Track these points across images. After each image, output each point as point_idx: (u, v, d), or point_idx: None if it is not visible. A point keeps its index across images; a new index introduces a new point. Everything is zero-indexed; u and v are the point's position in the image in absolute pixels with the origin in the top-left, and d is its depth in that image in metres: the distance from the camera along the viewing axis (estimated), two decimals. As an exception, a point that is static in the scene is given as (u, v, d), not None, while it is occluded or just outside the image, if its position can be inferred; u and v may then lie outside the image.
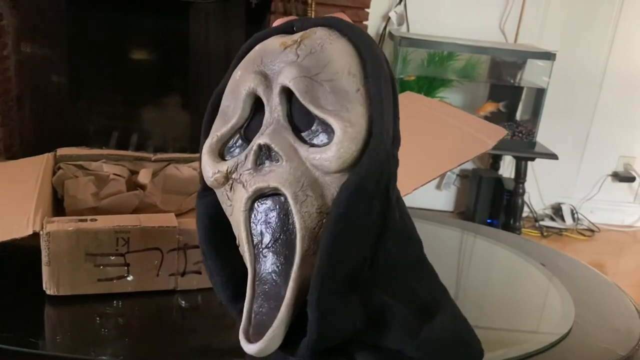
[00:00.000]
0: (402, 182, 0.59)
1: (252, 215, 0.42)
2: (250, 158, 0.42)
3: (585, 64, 2.73)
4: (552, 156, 2.46)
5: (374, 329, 0.41)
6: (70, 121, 2.37)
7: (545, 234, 2.73)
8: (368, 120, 0.41)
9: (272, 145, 0.41)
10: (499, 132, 0.70)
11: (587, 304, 0.70)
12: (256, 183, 0.41)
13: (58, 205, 0.74)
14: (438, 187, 2.83)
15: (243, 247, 0.42)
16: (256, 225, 0.42)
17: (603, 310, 0.71)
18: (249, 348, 0.39)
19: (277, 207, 0.41)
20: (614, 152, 2.88)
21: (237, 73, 0.44)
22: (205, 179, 0.44)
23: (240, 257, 0.43)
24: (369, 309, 0.41)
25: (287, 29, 0.45)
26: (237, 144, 0.44)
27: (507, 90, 2.64)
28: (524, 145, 2.50)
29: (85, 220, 0.61)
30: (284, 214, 0.41)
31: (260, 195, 0.41)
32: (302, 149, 0.41)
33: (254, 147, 0.41)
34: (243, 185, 0.42)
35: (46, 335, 0.58)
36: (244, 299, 0.41)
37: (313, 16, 2.19)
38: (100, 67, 2.38)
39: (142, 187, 0.77)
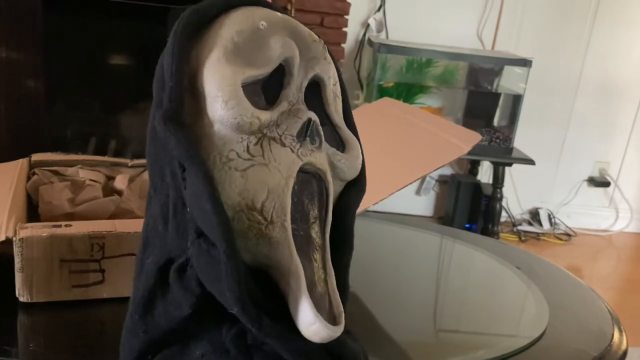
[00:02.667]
0: (379, 186, 0.59)
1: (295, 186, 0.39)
2: (298, 126, 0.39)
3: (560, 71, 2.77)
4: (529, 162, 2.49)
5: None
6: (47, 127, 2.35)
7: (523, 238, 2.76)
8: None
9: (319, 128, 0.40)
10: (474, 137, 0.71)
11: (561, 306, 0.71)
12: (308, 157, 0.39)
13: (33, 212, 0.73)
14: (417, 192, 2.85)
15: (279, 218, 0.37)
16: (296, 199, 0.39)
17: (576, 312, 0.72)
18: (334, 330, 0.36)
19: (316, 187, 0.40)
20: (589, 157, 2.93)
21: (259, 22, 0.40)
22: (232, 114, 0.37)
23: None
24: None
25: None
26: (256, 98, 0.39)
27: (484, 96, 2.68)
28: (502, 151, 2.53)
29: (60, 226, 0.60)
30: (320, 197, 0.40)
31: (302, 168, 0.39)
32: (326, 145, 0.41)
33: (303, 119, 0.39)
34: (292, 150, 0.38)
35: (19, 343, 0.57)
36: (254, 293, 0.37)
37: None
38: (78, 73, 2.36)
39: (119, 192, 0.77)
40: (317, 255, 0.39)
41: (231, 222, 0.36)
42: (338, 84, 0.44)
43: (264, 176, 0.37)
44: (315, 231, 0.39)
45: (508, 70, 2.59)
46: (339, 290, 0.38)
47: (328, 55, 0.43)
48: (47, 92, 2.33)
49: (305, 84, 0.41)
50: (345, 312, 0.38)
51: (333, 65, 0.44)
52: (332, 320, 0.36)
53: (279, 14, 0.42)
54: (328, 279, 0.38)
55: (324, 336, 0.35)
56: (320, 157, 0.40)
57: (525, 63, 2.46)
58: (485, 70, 2.61)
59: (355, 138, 0.43)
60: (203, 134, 0.38)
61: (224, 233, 0.35)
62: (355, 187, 0.43)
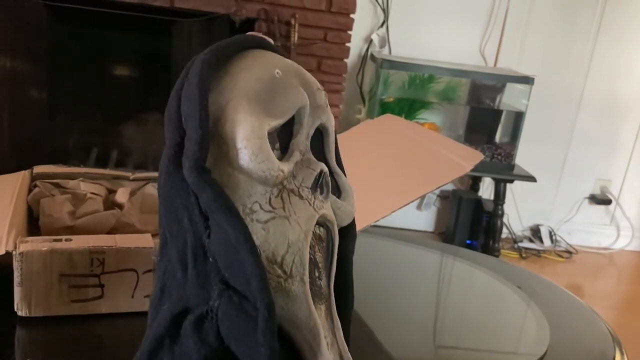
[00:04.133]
0: (380, 204, 0.59)
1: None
2: (312, 179, 0.39)
3: (563, 88, 2.78)
4: (531, 178, 2.49)
5: None
6: (49, 137, 2.35)
7: (524, 255, 2.75)
8: None
9: (329, 180, 0.41)
10: (476, 156, 0.71)
11: (562, 327, 0.71)
12: (323, 209, 0.40)
13: (33, 224, 0.73)
14: (419, 207, 2.85)
15: (298, 272, 0.37)
16: (312, 252, 0.39)
17: (577, 333, 0.72)
18: None
19: (327, 238, 0.41)
20: (591, 175, 2.93)
21: (274, 69, 0.40)
22: (260, 168, 0.36)
23: None
24: None
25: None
26: (274, 145, 0.39)
27: (486, 113, 2.68)
28: (503, 168, 2.53)
29: (60, 240, 0.60)
30: (329, 247, 0.41)
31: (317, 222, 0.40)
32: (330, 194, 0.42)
33: (316, 170, 0.40)
34: (309, 203, 0.38)
35: (17, 358, 0.57)
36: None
37: (296, 38, 2.21)
38: (81, 83, 2.37)
39: (120, 206, 0.77)
40: (324, 306, 0.39)
41: None
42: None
43: (284, 229, 0.37)
44: (323, 282, 0.39)
45: (510, 87, 2.60)
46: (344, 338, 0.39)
47: (328, 103, 0.44)
48: (50, 102, 2.34)
49: (312, 132, 0.41)
50: None
51: (330, 114, 0.44)
52: None
53: (289, 61, 0.42)
54: (336, 330, 0.38)
55: None
56: (328, 207, 0.40)
57: (527, 80, 2.47)
58: (487, 86, 2.62)
59: (349, 185, 0.44)
60: (225, 183, 0.37)
61: (265, 286, 0.34)
62: (350, 233, 0.44)
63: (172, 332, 0.39)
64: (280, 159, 0.39)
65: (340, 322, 0.39)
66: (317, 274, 0.39)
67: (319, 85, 0.43)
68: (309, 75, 0.42)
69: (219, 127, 0.37)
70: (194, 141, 0.36)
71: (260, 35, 0.43)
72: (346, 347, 0.38)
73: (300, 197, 0.38)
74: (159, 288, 0.41)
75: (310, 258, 0.38)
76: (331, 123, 0.43)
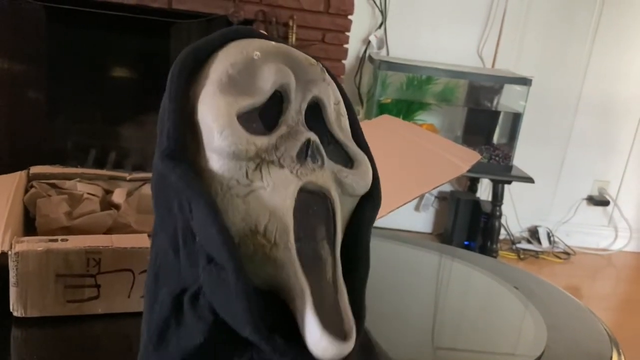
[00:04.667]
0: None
1: (297, 206, 0.38)
2: (297, 148, 0.39)
3: (560, 90, 2.79)
4: (529, 180, 2.49)
5: None
6: (48, 138, 2.35)
7: (522, 256, 2.75)
8: None
9: (318, 147, 0.40)
10: (473, 157, 0.71)
11: (559, 327, 0.71)
12: (309, 176, 0.39)
13: (30, 225, 0.72)
14: (417, 208, 2.85)
15: (281, 239, 0.37)
16: (299, 218, 0.38)
17: (575, 334, 0.71)
18: (343, 346, 0.35)
19: (320, 205, 0.40)
20: (588, 176, 2.93)
21: (252, 52, 0.41)
22: (227, 144, 0.38)
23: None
24: None
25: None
26: (254, 125, 0.40)
27: (484, 114, 2.69)
28: (501, 169, 2.53)
29: (56, 240, 0.60)
30: (325, 214, 0.40)
31: (303, 188, 0.39)
32: (330, 163, 0.41)
33: (301, 139, 0.40)
34: (291, 172, 0.38)
35: (12, 358, 0.57)
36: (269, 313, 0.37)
37: (294, 39, 2.21)
38: (79, 85, 2.37)
39: (116, 206, 0.77)
40: (327, 272, 0.39)
41: (238, 247, 0.37)
42: (341, 102, 0.45)
43: (264, 200, 0.38)
44: (325, 249, 0.39)
45: (508, 88, 2.60)
46: (354, 307, 0.38)
47: (327, 77, 0.44)
48: (48, 103, 2.33)
49: (305, 106, 0.42)
50: (361, 329, 0.38)
51: (334, 85, 0.44)
52: (343, 336, 0.36)
53: (273, 42, 0.43)
54: (339, 296, 0.38)
55: (333, 353, 0.35)
56: (323, 175, 0.40)
57: (525, 81, 2.48)
58: (485, 88, 2.62)
59: (363, 154, 0.44)
60: (204, 167, 0.39)
61: (230, 252, 0.35)
62: (369, 202, 0.43)
63: (176, 313, 0.40)
64: (266, 135, 0.40)
65: (352, 287, 0.39)
66: (312, 240, 0.39)
67: (312, 60, 0.43)
68: (298, 53, 0.43)
69: (195, 116, 0.39)
70: (164, 133, 0.39)
71: (248, 27, 0.45)
72: (350, 315, 0.37)
73: (281, 166, 0.39)
74: (152, 274, 0.43)
75: (301, 225, 0.38)
76: (328, 94, 0.43)
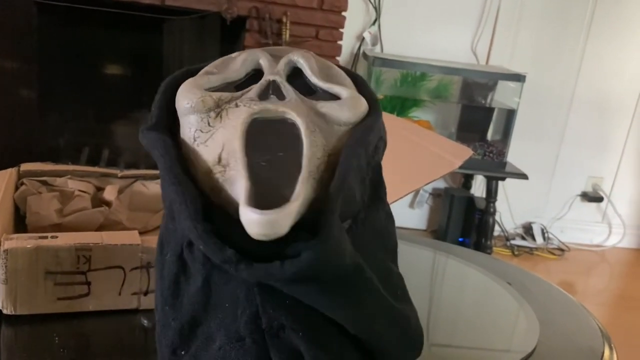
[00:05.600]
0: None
1: (251, 130, 0.39)
2: (256, 88, 0.42)
3: (554, 86, 2.79)
4: (523, 176, 2.50)
5: (344, 282, 0.39)
6: (40, 136, 2.34)
7: (516, 252, 2.76)
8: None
9: (283, 85, 0.42)
10: (465, 152, 0.71)
11: (551, 323, 0.71)
12: (264, 104, 0.40)
13: (20, 222, 0.72)
14: (411, 205, 2.85)
15: (232, 156, 0.38)
16: (255, 139, 0.39)
17: (567, 329, 0.72)
18: (263, 215, 0.32)
19: (283, 129, 0.40)
20: (582, 172, 2.94)
21: (233, 54, 0.46)
22: (183, 101, 0.42)
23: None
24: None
25: None
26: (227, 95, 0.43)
27: (478, 110, 2.69)
28: (495, 165, 2.53)
29: (46, 237, 0.60)
30: (290, 136, 0.39)
31: (264, 118, 0.40)
32: (306, 100, 0.43)
33: (261, 82, 0.42)
34: (245, 106, 0.40)
35: (2, 356, 0.56)
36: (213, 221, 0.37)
37: (287, 36, 2.20)
38: (72, 82, 2.36)
39: (108, 204, 0.76)
40: (284, 175, 0.38)
41: (209, 189, 0.39)
42: (334, 68, 0.47)
43: (220, 135, 0.40)
44: (284, 159, 0.39)
45: (502, 84, 2.60)
46: (319, 203, 0.36)
47: (312, 54, 0.46)
48: (41, 101, 2.32)
49: (284, 68, 0.44)
50: (329, 223, 0.35)
51: (312, 53, 0.46)
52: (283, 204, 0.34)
53: (257, 49, 0.47)
54: (298, 183, 0.36)
55: (258, 222, 0.33)
56: (286, 105, 0.41)
57: (519, 78, 2.48)
58: (479, 84, 2.62)
59: (351, 91, 0.44)
60: (180, 135, 0.43)
61: (171, 171, 0.39)
62: (352, 136, 0.42)
63: (183, 268, 0.42)
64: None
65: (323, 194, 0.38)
66: (262, 154, 0.39)
67: (295, 48, 0.47)
68: (278, 48, 0.47)
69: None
70: (149, 117, 0.44)
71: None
72: (301, 191, 0.35)
73: (237, 106, 0.41)
74: (158, 246, 0.45)
75: (257, 144, 0.39)
76: (306, 57, 0.45)
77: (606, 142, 2.91)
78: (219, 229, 0.36)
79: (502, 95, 2.62)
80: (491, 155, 2.55)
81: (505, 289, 0.81)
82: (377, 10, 2.57)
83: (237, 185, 0.37)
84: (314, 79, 0.44)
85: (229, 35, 2.27)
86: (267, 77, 0.43)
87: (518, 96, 2.51)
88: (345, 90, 0.44)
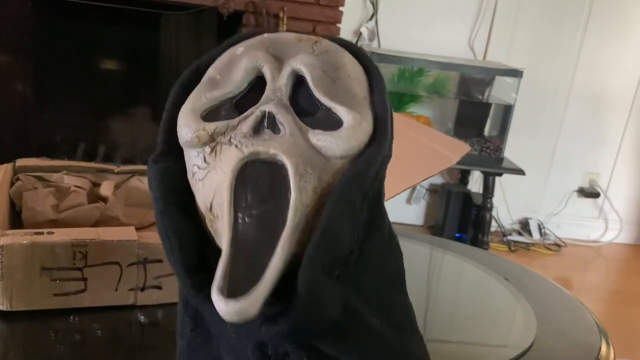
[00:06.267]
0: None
1: (240, 178, 0.38)
2: (249, 123, 0.39)
3: (551, 82, 2.79)
4: (520, 172, 2.50)
5: (337, 331, 0.39)
6: (36, 132, 2.33)
7: (513, 248, 2.76)
8: (373, 123, 0.41)
9: (278, 116, 0.39)
10: (462, 148, 0.71)
11: (549, 318, 0.71)
12: (255, 146, 0.39)
13: (16, 218, 0.72)
14: (408, 201, 2.85)
15: (220, 210, 0.38)
16: (243, 189, 0.38)
17: (564, 324, 0.72)
18: (228, 306, 0.33)
19: (273, 174, 0.38)
20: (579, 168, 2.94)
21: (237, 49, 0.43)
22: (180, 135, 0.41)
23: (203, 230, 0.40)
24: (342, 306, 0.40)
25: None
26: (226, 114, 0.41)
27: (475, 106, 2.69)
28: (492, 161, 2.53)
29: (42, 233, 0.59)
30: (279, 183, 0.38)
31: (254, 160, 0.39)
32: (304, 129, 0.40)
33: (256, 113, 0.40)
34: (236, 147, 0.39)
35: (-2, 352, 0.56)
36: (206, 270, 0.38)
37: (285, 29, 2.20)
38: (68, 77, 2.35)
39: (104, 199, 0.76)
40: (269, 237, 0.37)
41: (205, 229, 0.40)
42: (343, 68, 0.43)
43: (213, 179, 0.39)
44: (269, 222, 0.38)
45: (499, 80, 2.60)
46: (301, 275, 0.36)
47: (321, 47, 0.42)
48: (36, 96, 2.31)
49: (286, 82, 0.41)
50: (307, 307, 0.36)
51: (330, 54, 0.42)
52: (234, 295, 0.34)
53: (266, 34, 0.44)
54: (273, 258, 0.36)
55: (222, 309, 0.34)
56: (282, 142, 0.39)
57: (516, 73, 2.48)
58: (476, 80, 2.62)
59: (355, 114, 0.41)
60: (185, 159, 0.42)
61: (159, 201, 0.39)
62: (349, 171, 0.40)
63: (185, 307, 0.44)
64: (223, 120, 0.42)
65: (302, 255, 0.37)
66: (250, 208, 0.38)
67: (303, 37, 0.43)
68: (287, 35, 0.44)
69: None
70: (157, 144, 0.43)
71: (253, 30, 0.45)
72: (270, 278, 0.35)
73: (229, 144, 0.39)
74: None
75: (245, 195, 0.38)
76: (310, 63, 0.41)
77: (603, 138, 2.91)
78: (210, 266, 0.37)
79: (499, 91, 2.62)
80: (488, 150, 2.55)
81: (502, 284, 0.81)
82: (375, 5, 2.57)
83: (222, 246, 0.37)
84: (317, 94, 0.41)
85: (226, 30, 2.26)
86: (263, 107, 0.40)
87: (515, 92, 2.51)
88: (348, 114, 0.40)
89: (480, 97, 2.65)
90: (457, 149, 0.70)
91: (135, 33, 2.40)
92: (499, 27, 2.68)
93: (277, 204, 0.38)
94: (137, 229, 0.65)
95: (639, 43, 2.78)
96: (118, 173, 0.81)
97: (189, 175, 0.41)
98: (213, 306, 0.34)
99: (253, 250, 0.36)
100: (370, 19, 2.59)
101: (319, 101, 0.41)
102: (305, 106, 0.41)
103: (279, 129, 0.39)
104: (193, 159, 0.40)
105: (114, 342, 0.61)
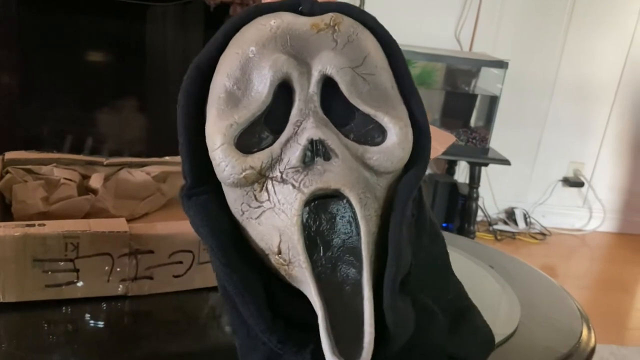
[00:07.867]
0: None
1: (308, 221, 0.36)
2: (298, 154, 0.36)
3: (536, 73, 2.81)
4: (505, 162, 2.52)
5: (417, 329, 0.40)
6: (22, 124, 2.31)
7: (499, 237, 2.79)
8: (410, 118, 0.40)
9: (328, 142, 0.36)
10: (448, 139, 0.72)
11: (533, 305, 0.73)
12: (314, 184, 0.36)
13: (6, 211, 0.72)
14: (395, 192, 2.87)
15: (294, 257, 0.36)
16: (313, 233, 0.36)
17: (548, 311, 0.73)
18: None
19: (338, 209, 0.36)
20: (564, 158, 2.97)
21: (248, 49, 0.38)
22: (224, 177, 0.37)
23: (259, 270, 0.38)
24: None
25: (293, 8, 0.40)
26: (260, 135, 0.38)
27: (461, 97, 2.70)
28: (478, 151, 2.56)
29: (33, 225, 0.60)
30: (345, 216, 0.37)
31: (316, 197, 0.36)
32: (352, 147, 0.38)
33: (304, 142, 0.36)
34: (293, 186, 0.36)
35: (-9, 344, 0.56)
36: (281, 320, 0.37)
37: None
38: (54, 70, 2.33)
39: (94, 191, 0.76)
40: (350, 282, 0.36)
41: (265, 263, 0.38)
42: (367, 58, 0.40)
43: (273, 220, 0.37)
44: (346, 257, 0.36)
45: (485, 71, 2.62)
46: (386, 310, 0.36)
47: (341, 37, 0.39)
48: (22, 89, 2.29)
49: (316, 89, 0.38)
50: (394, 339, 0.36)
51: (352, 45, 0.40)
52: (359, 352, 0.34)
53: (272, 21, 0.39)
54: (365, 303, 0.35)
55: None
56: (336, 171, 0.36)
57: (501, 65, 2.49)
58: (462, 71, 2.64)
59: (396, 120, 0.39)
60: (225, 191, 0.40)
61: (220, 251, 0.37)
62: (404, 184, 0.38)
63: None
64: (273, 142, 0.38)
65: (379, 291, 0.36)
66: (325, 252, 0.36)
67: (320, 24, 0.39)
68: (301, 23, 0.39)
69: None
70: (182, 168, 0.40)
71: (246, 10, 0.41)
72: (370, 325, 0.34)
73: (284, 182, 0.36)
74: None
75: (315, 239, 0.36)
76: (337, 64, 0.38)
77: (587, 128, 2.94)
78: (290, 329, 0.37)
79: (485, 82, 2.63)
80: (474, 141, 2.57)
81: (487, 272, 0.83)
82: (361, -4, 2.57)
83: (306, 293, 0.36)
84: (354, 101, 0.38)
85: (213, 21, 2.26)
86: (305, 130, 0.37)
87: (501, 83, 2.53)
88: (394, 126, 0.38)
89: (466, 88, 2.67)
90: (443, 140, 0.71)
91: (121, 25, 2.38)
92: (484, 18, 2.70)
93: (347, 239, 0.36)
94: (128, 221, 0.65)
95: (622, 34, 2.81)
96: (107, 165, 0.81)
97: (236, 212, 0.38)
98: (300, 357, 0.35)
99: (342, 298, 0.35)
100: (357, 10, 2.60)
101: (354, 107, 0.39)
102: (339, 112, 0.38)
103: (329, 156, 0.37)
104: (241, 197, 0.38)
105: (107, 332, 0.61)
